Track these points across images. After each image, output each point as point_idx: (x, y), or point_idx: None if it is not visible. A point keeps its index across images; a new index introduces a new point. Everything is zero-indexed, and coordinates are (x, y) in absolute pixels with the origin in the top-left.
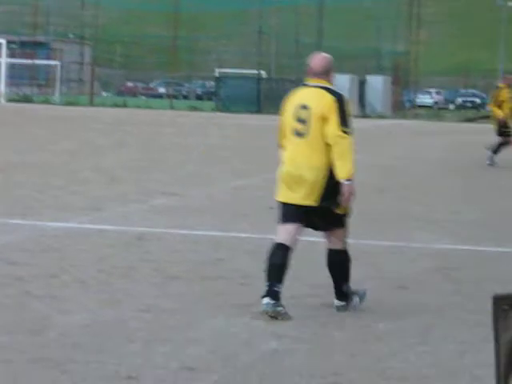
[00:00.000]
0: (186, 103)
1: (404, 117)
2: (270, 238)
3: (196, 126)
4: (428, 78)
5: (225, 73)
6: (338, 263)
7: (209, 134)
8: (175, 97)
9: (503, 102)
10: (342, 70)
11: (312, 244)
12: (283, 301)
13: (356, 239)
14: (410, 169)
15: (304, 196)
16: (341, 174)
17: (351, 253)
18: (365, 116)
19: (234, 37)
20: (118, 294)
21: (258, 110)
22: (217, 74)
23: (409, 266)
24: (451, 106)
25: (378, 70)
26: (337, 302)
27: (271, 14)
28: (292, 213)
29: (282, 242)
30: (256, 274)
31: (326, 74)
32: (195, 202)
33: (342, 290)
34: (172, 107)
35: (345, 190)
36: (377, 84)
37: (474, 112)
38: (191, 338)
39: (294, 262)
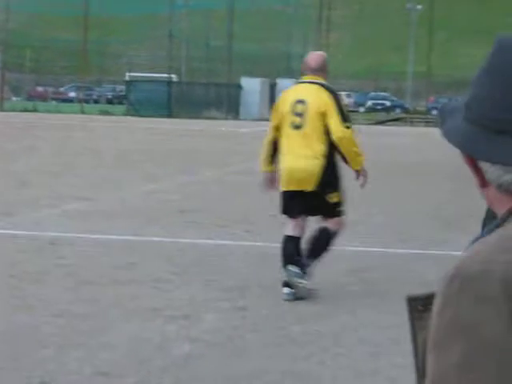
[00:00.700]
0: (97, 107)
1: None
2: (182, 241)
3: (107, 130)
4: (338, 80)
5: (135, 77)
6: (320, 238)
7: (120, 138)
8: (86, 101)
9: None
10: (252, 74)
11: (222, 247)
12: (195, 304)
13: (267, 242)
14: None
15: (303, 182)
16: (354, 166)
17: (256, 255)
18: None
19: (144, 41)
20: (31, 299)
21: (170, 114)
22: (127, 78)
23: (320, 268)
24: (361, 109)
25: (289, 73)
26: (292, 267)
27: (181, 17)
28: (293, 203)
29: (292, 234)
30: (168, 277)
31: (321, 70)
32: (107, 206)
33: (304, 262)
34: (83, 112)
35: (361, 176)
36: (287, 87)
37: (384, 115)
38: (105, 343)
39: (205, 267)
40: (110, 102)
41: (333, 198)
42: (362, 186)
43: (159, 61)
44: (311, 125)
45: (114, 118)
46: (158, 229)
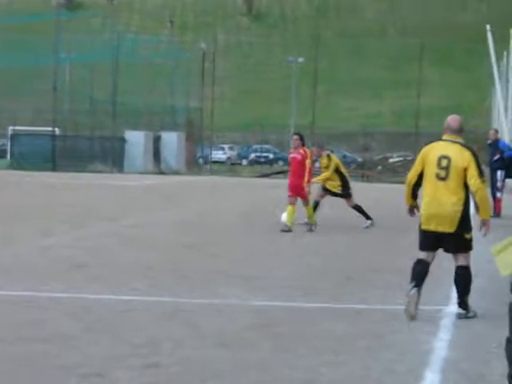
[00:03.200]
0: None
1: (198, 173)
2: (83, 296)
3: None
4: (222, 133)
5: (19, 130)
6: (464, 277)
7: (6, 192)
8: None
9: None
10: (136, 127)
11: (128, 303)
12: (103, 361)
13: (172, 297)
14: (213, 225)
15: (444, 225)
16: (483, 214)
17: (167, 310)
18: (160, 172)
19: (27, 94)
20: None
21: (54, 168)
22: (10, 132)
23: (228, 323)
24: (244, 162)
25: (173, 127)
26: (459, 310)
27: (65, 70)
28: (429, 240)
29: (424, 259)
30: (77, 334)
31: (460, 131)
32: (1, 261)
33: (464, 300)
34: None
35: (485, 225)
36: (171, 140)
37: (267, 167)
38: None
39: (114, 322)
40: None
41: (467, 236)
42: (484, 235)
43: (43, 114)
44: (453, 177)
45: None
46: (58, 284)
